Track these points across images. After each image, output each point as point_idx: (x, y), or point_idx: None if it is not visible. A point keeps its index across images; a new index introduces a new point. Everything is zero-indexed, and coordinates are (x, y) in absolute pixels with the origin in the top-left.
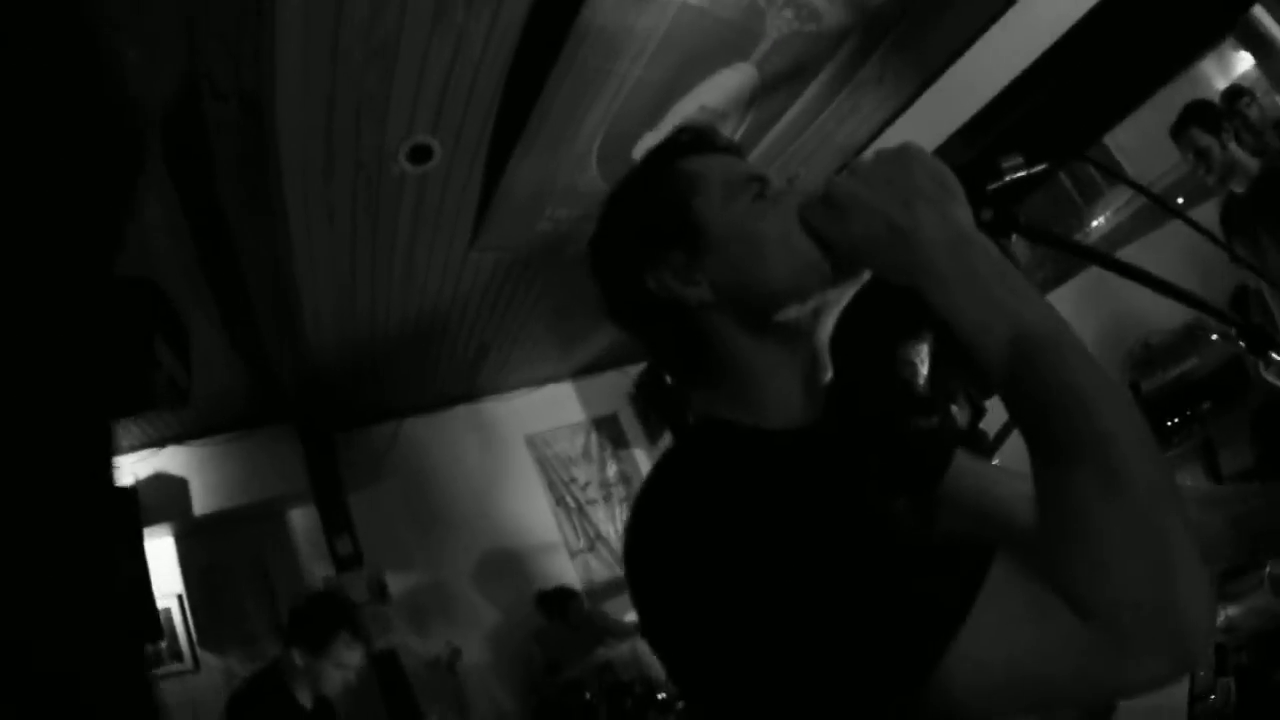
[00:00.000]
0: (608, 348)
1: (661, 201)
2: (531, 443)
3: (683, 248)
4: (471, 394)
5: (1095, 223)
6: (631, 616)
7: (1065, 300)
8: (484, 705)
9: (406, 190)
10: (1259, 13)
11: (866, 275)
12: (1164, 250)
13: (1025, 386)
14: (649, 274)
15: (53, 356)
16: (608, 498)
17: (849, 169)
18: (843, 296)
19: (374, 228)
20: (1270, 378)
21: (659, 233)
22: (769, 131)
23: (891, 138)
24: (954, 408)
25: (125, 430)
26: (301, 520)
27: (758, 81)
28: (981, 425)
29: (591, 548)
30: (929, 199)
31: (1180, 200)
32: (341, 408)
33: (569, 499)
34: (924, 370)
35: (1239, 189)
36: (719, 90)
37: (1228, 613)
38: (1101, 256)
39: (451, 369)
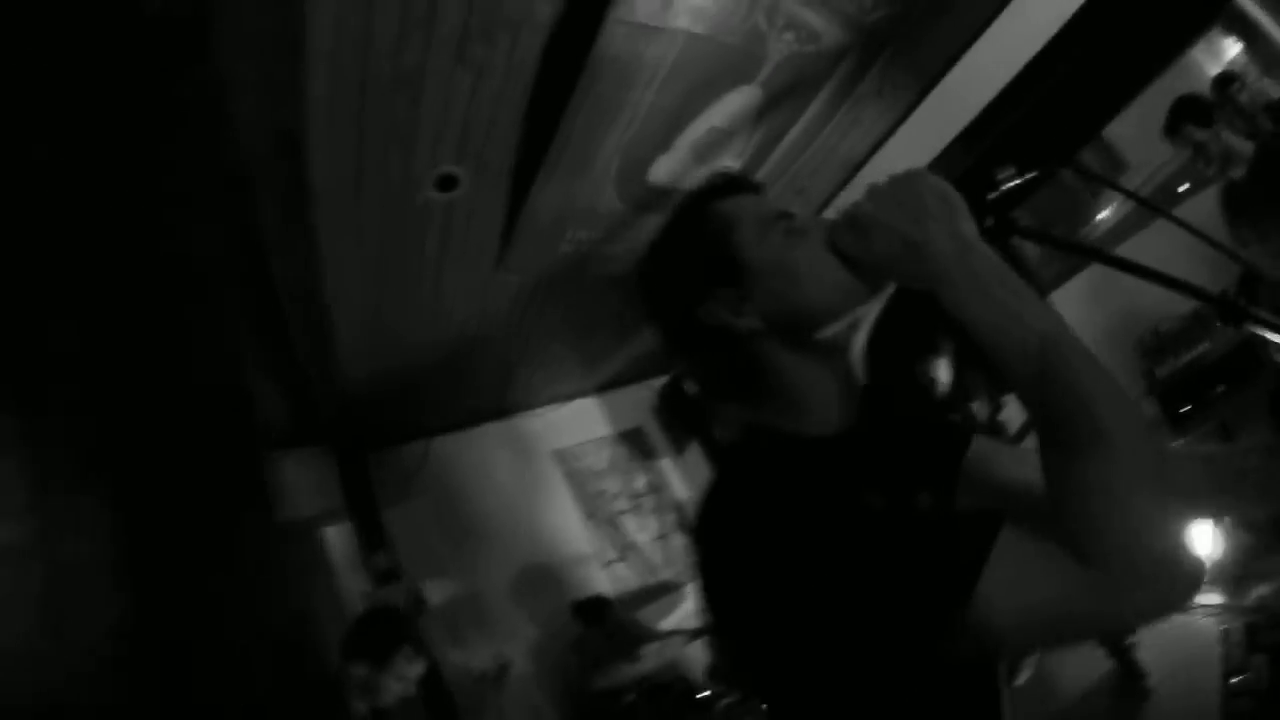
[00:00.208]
0: (630, 362)
1: (706, 243)
2: (560, 458)
3: (728, 283)
4: (500, 411)
5: (1103, 214)
6: (664, 623)
7: (1077, 292)
8: (525, 716)
9: (434, 217)
10: None
11: (891, 289)
12: (1174, 235)
13: (1025, 378)
14: (700, 308)
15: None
16: (638, 508)
17: (866, 194)
18: (871, 311)
19: (403, 254)
20: None
21: (706, 271)
22: (776, 148)
23: (894, 148)
24: (975, 404)
25: None
26: (337, 538)
27: (763, 101)
28: (1000, 418)
29: (623, 557)
30: (935, 215)
31: (1185, 186)
32: (373, 428)
33: (599, 511)
34: (943, 378)
35: (1238, 174)
36: (727, 112)
37: (1259, 591)
38: (1091, 251)
39: (479, 388)
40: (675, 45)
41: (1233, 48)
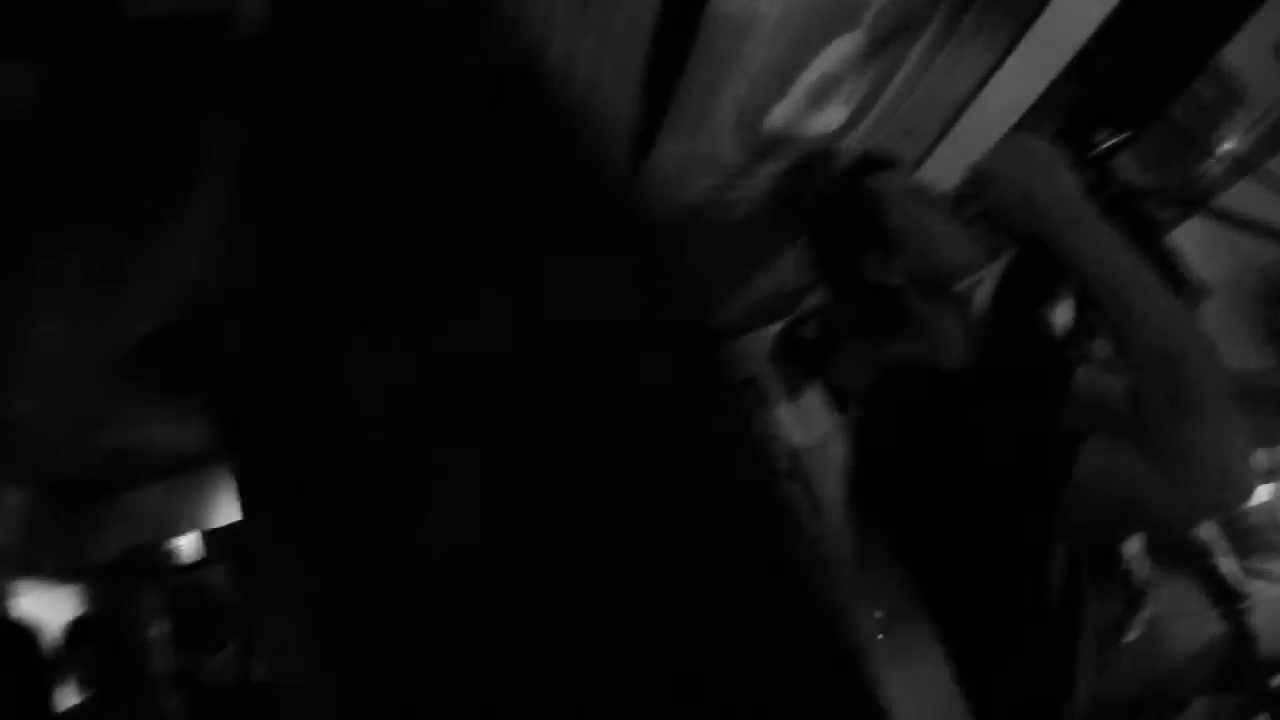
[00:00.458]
0: (744, 313)
1: (859, 214)
2: None
3: (878, 246)
4: None
5: (1224, 146)
6: None
7: (1196, 234)
8: None
9: None
10: None
11: (1010, 252)
12: None
13: (1113, 311)
14: (857, 268)
15: None
16: None
17: (984, 159)
18: (993, 268)
19: None
20: None
21: (860, 237)
22: (883, 92)
23: (996, 87)
24: (1095, 342)
25: None
26: None
27: (868, 46)
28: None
29: None
30: (1042, 173)
31: None
32: None
33: None
34: (1063, 320)
35: None
36: (835, 58)
37: None
38: (1189, 201)
39: None
40: None
41: None
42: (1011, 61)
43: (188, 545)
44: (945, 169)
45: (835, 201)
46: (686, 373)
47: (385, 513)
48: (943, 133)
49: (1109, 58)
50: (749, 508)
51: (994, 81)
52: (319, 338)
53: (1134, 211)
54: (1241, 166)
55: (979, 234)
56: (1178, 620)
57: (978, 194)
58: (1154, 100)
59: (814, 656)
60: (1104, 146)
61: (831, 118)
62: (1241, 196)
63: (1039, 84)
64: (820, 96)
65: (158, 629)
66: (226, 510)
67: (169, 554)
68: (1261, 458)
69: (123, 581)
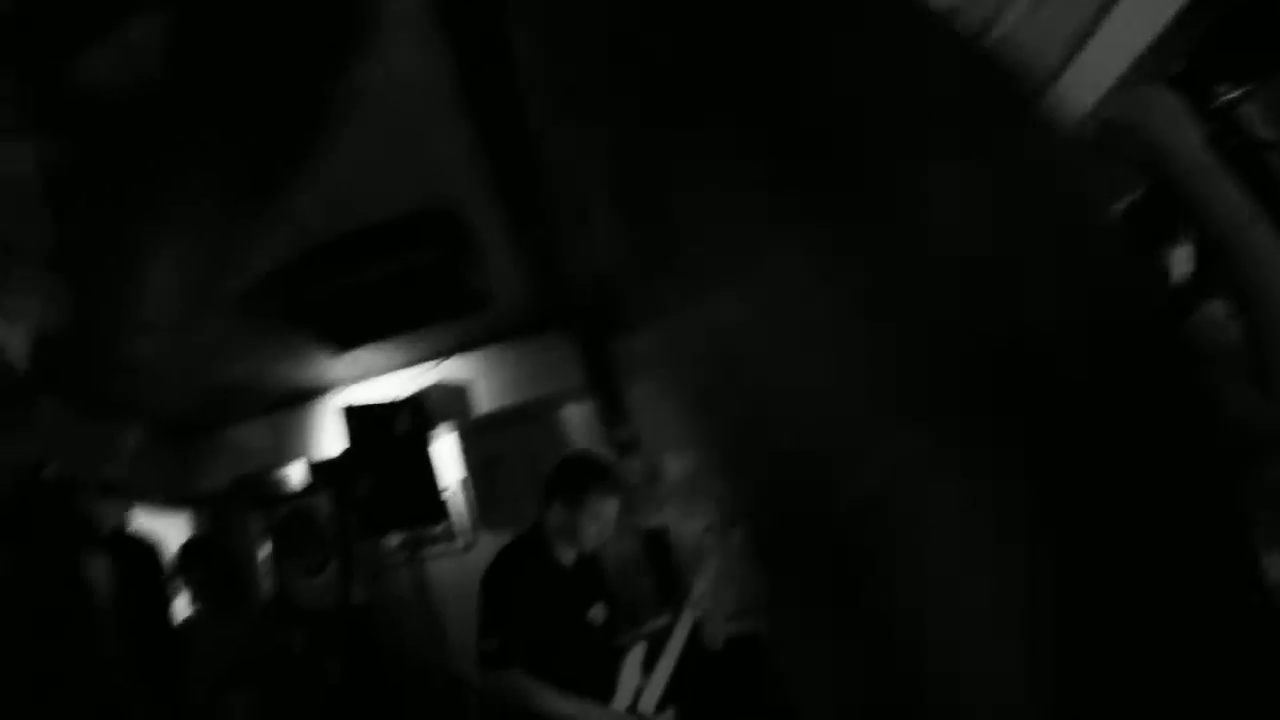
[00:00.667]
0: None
1: None
2: None
3: None
4: None
5: None
6: None
7: None
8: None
9: None
10: None
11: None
12: None
13: (1236, 268)
14: None
15: None
16: None
17: (1114, 103)
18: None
19: None
20: None
21: None
22: (1000, 21)
23: (1117, 20)
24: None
25: (413, 345)
26: (574, 417)
27: None
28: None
29: None
30: (1170, 124)
31: None
32: (618, 312)
33: None
34: (1182, 268)
35: None
36: None
37: None
38: None
39: None
40: None
41: None
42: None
43: (292, 474)
44: (1063, 106)
45: None
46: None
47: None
48: (1063, 67)
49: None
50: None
51: (1115, 13)
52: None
53: (1258, 164)
54: None
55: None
56: None
57: (1107, 143)
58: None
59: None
60: (1227, 98)
61: None
62: None
63: (1158, 21)
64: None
65: (262, 553)
66: (328, 442)
67: (274, 483)
68: None
69: (230, 509)
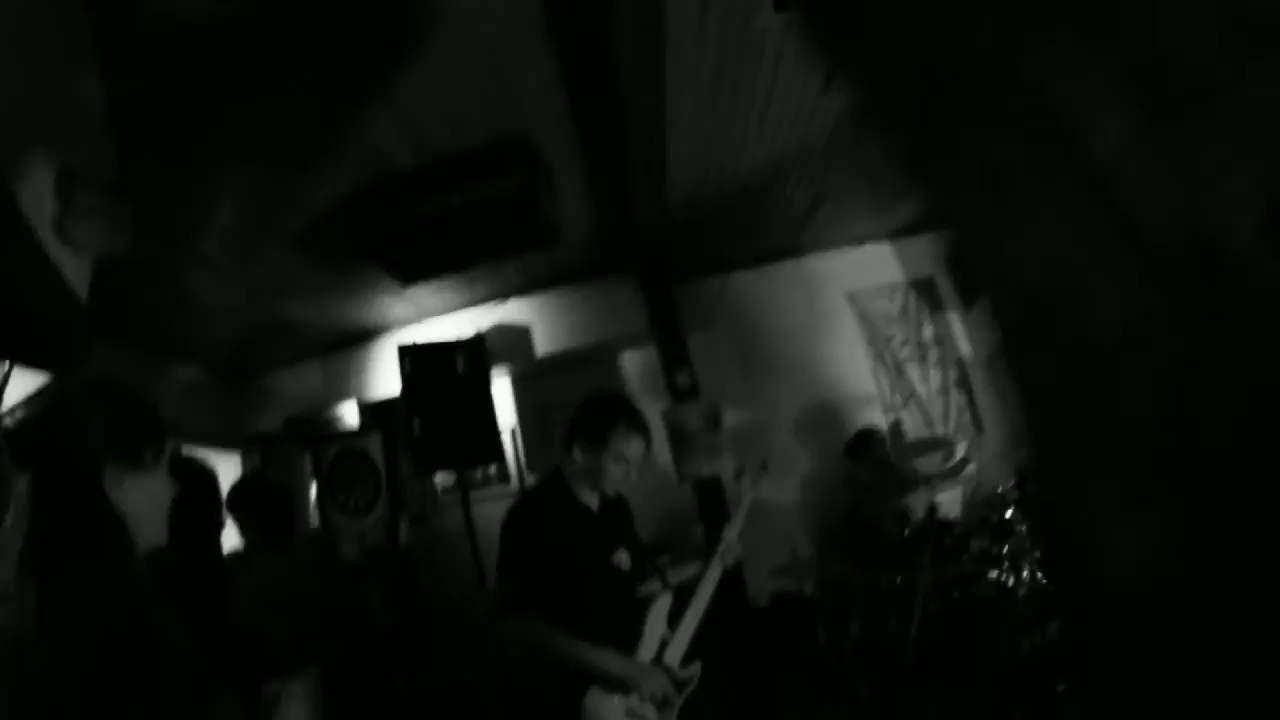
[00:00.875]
0: (925, 208)
1: None
2: (853, 299)
3: None
4: (795, 250)
5: None
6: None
7: None
8: (782, 545)
9: (769, 41)
10: None
11: None
12: None
13: None
14: None
15: None
16: (923, 358)
17: None
18: None
19: (737, 80)
20: None
21: None
22: None
23: None
24: None
25: (474, 285)
26: (633, 364)
27: None
28: None
29: (905, 405)
30: None
31: None
32: (677, 261)
33: (886, 356)
34: None
35: None
36: None
37: None
38: None
39: (783, 221)
40: None
41: None
42: None
43: (345, 414)
44: None
45: None
46: None
47: None
48: None
49: None
50: None
51: None
52: None
53: None
54: None
55: None
56: None
57: None
58: None
59: None
60: None
61: None
62: None
63: None
64: None
65: (313, 492)
66: (383, 382)
67: (327, 423)
68: None
69: (282, 448)
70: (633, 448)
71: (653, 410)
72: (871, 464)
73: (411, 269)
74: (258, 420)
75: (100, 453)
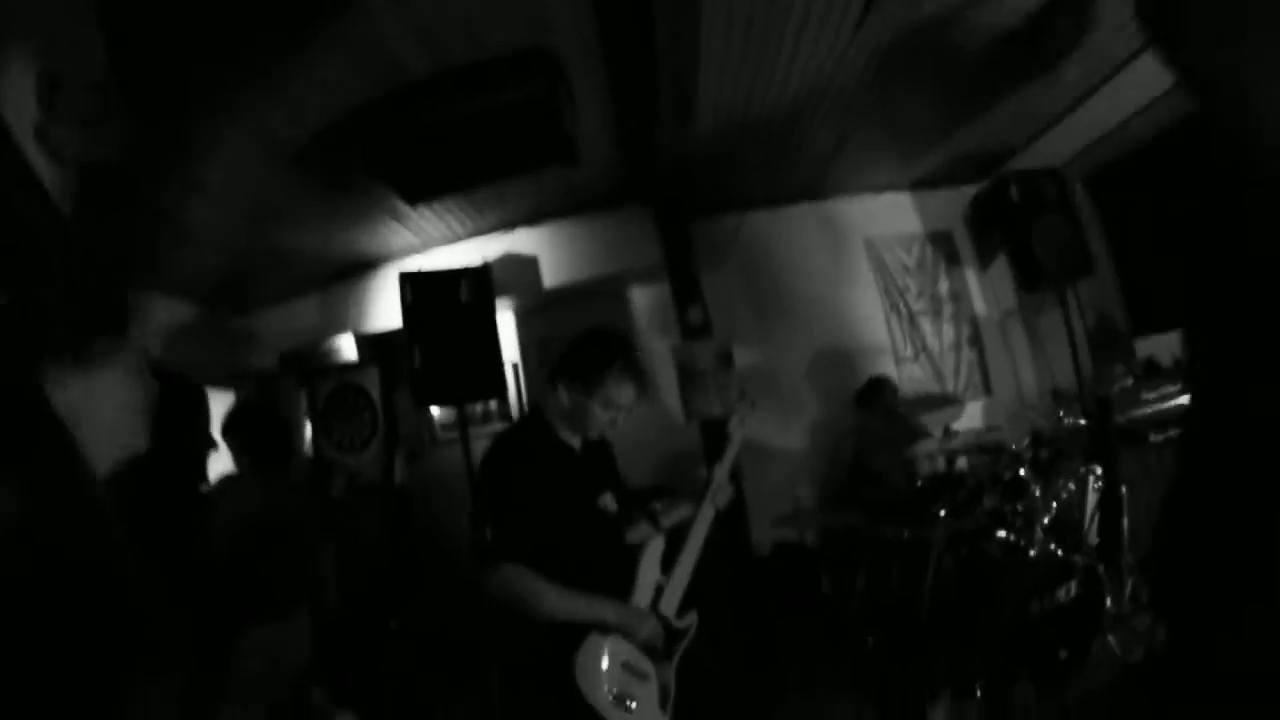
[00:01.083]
0: (948, 162)
1: None
2: (870, 246)
3: None
4: (814, 192)
5: None
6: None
7: None
8: (786, 494)
9: None
10: None
11: None
12: None
13: None
14: None
15: None
16: (937, 312)
17: None
18: None
19: (771, 12)
20: None
21: None
22: None
23: None
24: None
25: (481, 213)
26: (642, 299)
27: None
28: None
29: (916, 358)
30: None
31: None
32: (696, 193)
33: (901, 306)
34: None
35: None
36: None
37: None
38: None
39: (807, 159)
40: None
41: None
42: None
43: (343, 347)
44: None
45: None
46: None
47: None
48: None
49: None
50: None
51: None
52: None
53: None
54: None
55: None
56: None
57: None
58: None
59: None
60: None
61: None
62: None
63: None
64: None
65: (308, 428)
66: (382, 314)
67: (323, 355)
68: None
69: (276, 382)
70: (625, 394)
71: (662, 348)
72: (882, 413)
73: (419, 185)
74: (250, 357)
75: (37, 344)
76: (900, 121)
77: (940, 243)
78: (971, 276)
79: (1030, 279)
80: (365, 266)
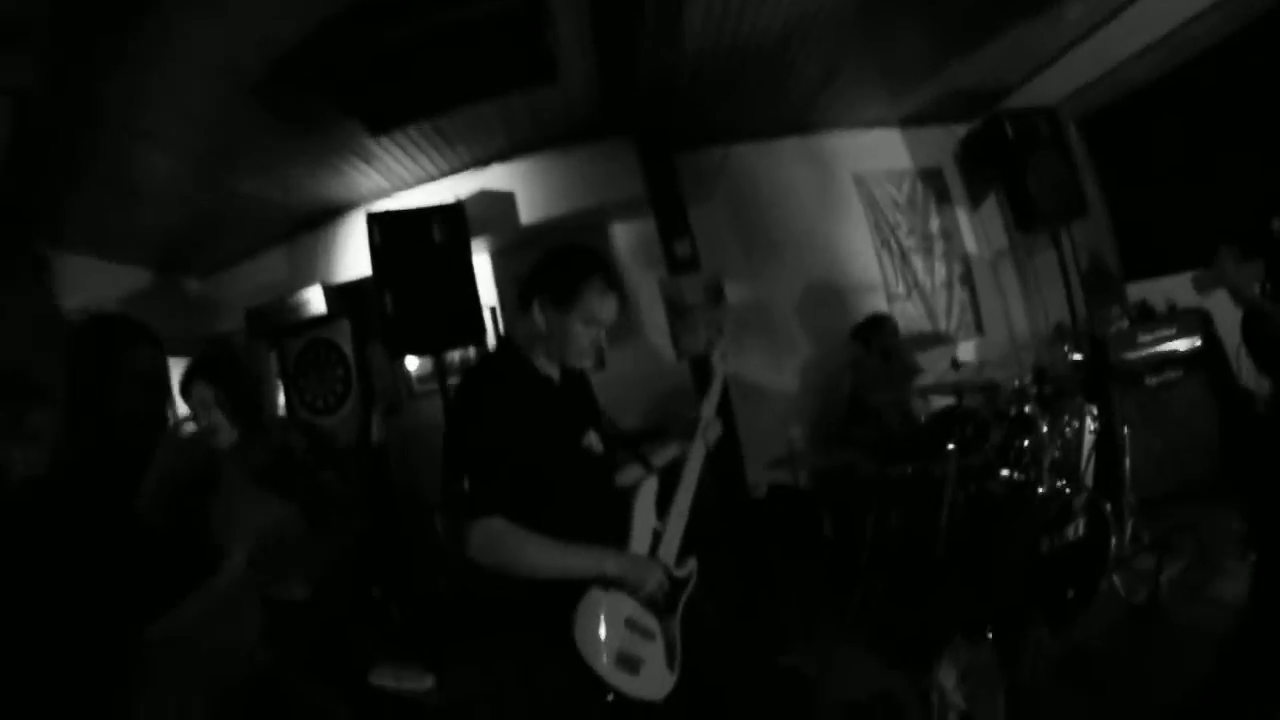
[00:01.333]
0: (938, 99)
1: None
2: (860, 181)
3: None
4: (804, 126)
5: None
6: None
7: None
8: (778, 434)
9: None
10: None
11: None
12: None
13: None
14: None
15: None
16: (928, 250)
17: None
18: None
19: None
20: None
21: None
22: None
23: None
24: None
25: (454, 151)
26: (625, 235)
27: None
28: None
29: (909, 295)
30: None
31: None
32: (682, 123)
33: (892, 243)
34: None
35: None
36: None
37: None
38: None
39: (795, 91)
40: None
41: None
42: None
43: (312, 301)
44: None
45: None
46: None
47: None
48: None
49: None
50: None
51: None
52: None
53: None
54: None
55: None
56: None
57: None
58: None
59: None
60: None
61: None
62: None
63: None
64: None
65: (278, 390)
66: (352, 262)
67: (291, 310)
68: None
69: (248, 344)
70: (608, 308)
71: (649, 283)
72: (880, 351)
73: (385, 112)
74: (214, 321)
75: None
76: (892, 54)
77: (931, 180)
78: (962, 215)
79: (1025, 218)
80: (332, 214)
